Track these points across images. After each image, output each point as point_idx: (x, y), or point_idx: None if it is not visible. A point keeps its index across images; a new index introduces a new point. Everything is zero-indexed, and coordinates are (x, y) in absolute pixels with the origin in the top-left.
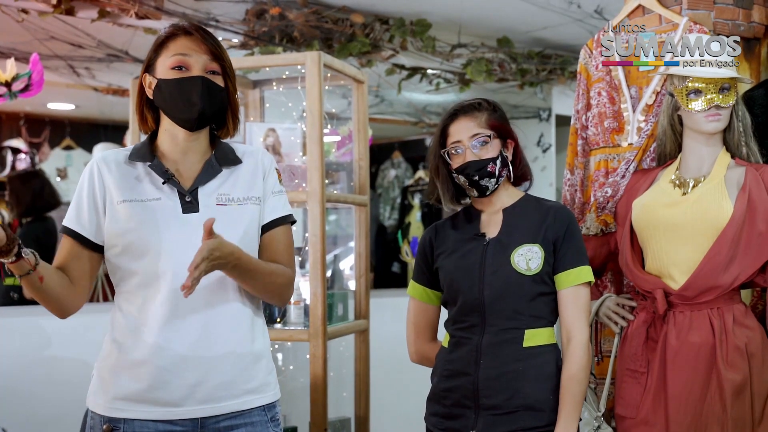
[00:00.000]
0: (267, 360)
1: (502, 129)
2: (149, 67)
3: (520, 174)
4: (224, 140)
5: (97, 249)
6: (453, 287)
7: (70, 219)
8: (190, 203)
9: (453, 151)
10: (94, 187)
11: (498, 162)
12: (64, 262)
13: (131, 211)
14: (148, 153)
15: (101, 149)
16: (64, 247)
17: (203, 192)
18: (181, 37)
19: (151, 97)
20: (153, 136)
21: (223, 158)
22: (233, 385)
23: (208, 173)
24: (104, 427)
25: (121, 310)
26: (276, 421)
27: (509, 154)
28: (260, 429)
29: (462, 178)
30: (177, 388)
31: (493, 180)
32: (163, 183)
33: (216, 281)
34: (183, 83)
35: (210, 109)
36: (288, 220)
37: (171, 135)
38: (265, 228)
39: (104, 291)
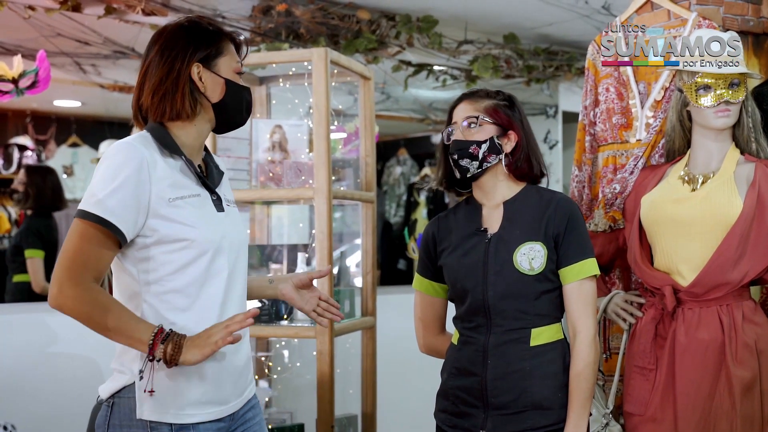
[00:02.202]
0: None
1: (499, 117)
2: (208, 60)
3: (522, 168)
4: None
5: (120, 247)
6: (457, 287)
7: (112, 212)
8: (218, 201)
9: (450, 133)
10: (144, 185)
11: (484, 146)
12: (102, 271)
13: (186, 209)
14: (175, 146)
15: (107, 146)
16: (99, 244)
17: (218, 191)
18: (237, 47)
19: (202, 91)
20: (161, 124)
21: (212, 160)
22: (249, 374)
23: (218, 174)
24: None
25: (171, 307)
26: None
27: (507, 146)
28: (258, 410)
29: (450, 159)
30: (229, 384)
31: (475, 163)
32: (201, 180)
33: (244, 276)
34: (246, 92)
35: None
36: None
37: (199, 132)
38: None
39: (110, 287)
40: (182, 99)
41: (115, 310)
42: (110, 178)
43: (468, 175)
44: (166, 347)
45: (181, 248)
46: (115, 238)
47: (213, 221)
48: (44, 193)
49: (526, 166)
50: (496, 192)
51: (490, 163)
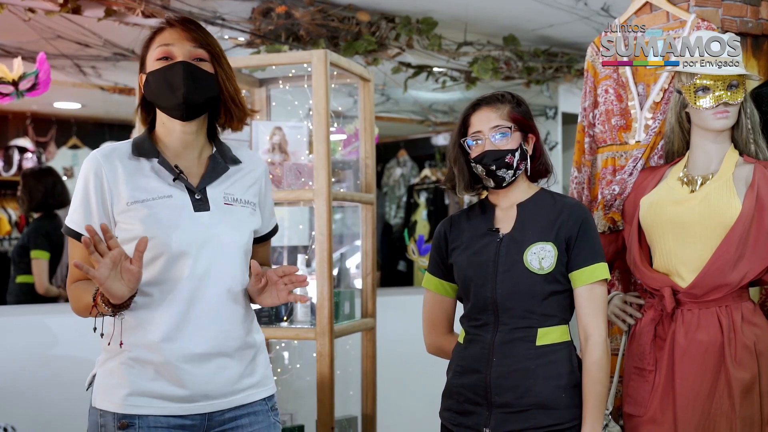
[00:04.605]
0: (265, 354)
1: (523, 123)
2: (142, 65)
3: (540, 170)
4: (222, 138)
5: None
6: (467, 284)
7: (78, 223)
8: (200, 201)
9: (473, 141)
10: (102, 188)
11: (517, 154)
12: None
13: (143, 211)
14: (151, 148)
15: None
16: (79, 253)
17: (211, 190)
18: (166, 29)
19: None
20: (151, 129)
21: (225, 156)
22: (240, 381)
23: (216, 171)
24: (119, 423)
25: (135, 305)
26: (275, 410)
27: (529, 149)
28: (262, 418)
29: (479, 168)
30: (191, 384)
31: (510, 172)
32: (174, 180)
33: (230, 279)
34: (166, 71)
35: (195, 94)
36: (277, 229)
37: (168, 129)
38: (266, 236)
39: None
40: (138, 108)
41: (80, 289)
42: (76, 192)
43: (504, 184)
44: (103, 298)
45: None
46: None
47: (179, 223)
48: (35, 195)
49: (545, 167)
50: (513, 195)
51: (521, 169)
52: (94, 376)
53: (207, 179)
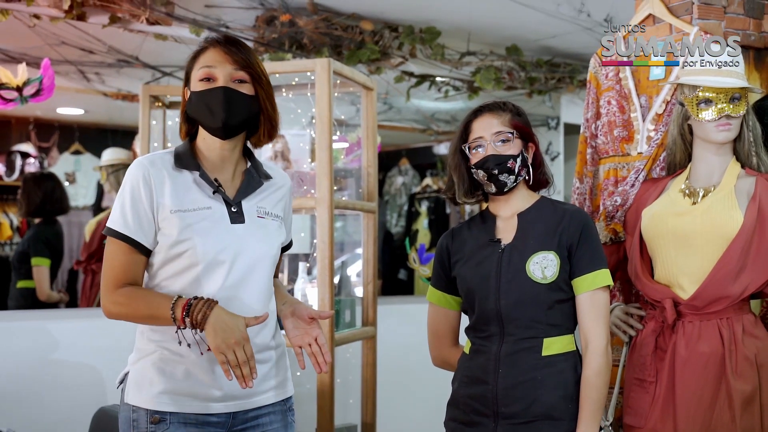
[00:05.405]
0: (286, 357)
1: (524, 131)
2: (187, 80)
3: (540, 179)
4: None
5: (149, 253)
6: (470, 296)
7: (128, 226)
8: (236, 213)
9: (474, 147)
10: (151, 194)
11: (518, 160)
12: (135, 276)
13: (184, 220)
14: (192, 160)
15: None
16: (125, 256)
17: (246, 203)
18: (210, 49)
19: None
20: (191, 141)
21: (259, 171)
22: (264, 382)
23: (251, 185)
24: (152, 418)
25: None
26: (292, 410)
27: (529, 157)
28: (280, 417)
29: (481, 173)
30: (219, 385)
31: (512, 177)
32: (214, 193)
33: (259, 288)
34: (206, 95)
35: (234, 118)
36: (291, 243)
37: (208, 144)
38: (282, 249)
39: None
40: (181, 122)
41: (144, 297)
42: (120, 194)
43: (505, 190)
44: (193, 317)
45: (174, 257)
46: (134, 246)
47: (216, 234)
48: (33, 200)
49: (545, 176)
50: (514, 203)
51: (522, 176)
52: (125, 375)
53: (242, 193)
